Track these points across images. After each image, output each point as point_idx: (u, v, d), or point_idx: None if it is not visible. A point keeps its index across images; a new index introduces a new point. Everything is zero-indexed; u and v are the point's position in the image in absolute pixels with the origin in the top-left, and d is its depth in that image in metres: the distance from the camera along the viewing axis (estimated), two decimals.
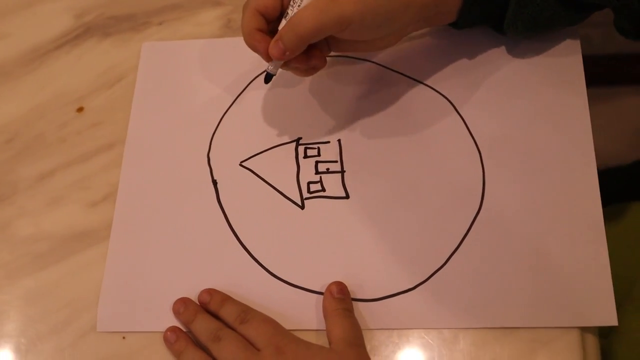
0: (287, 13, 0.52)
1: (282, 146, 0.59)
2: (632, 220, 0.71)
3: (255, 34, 0.52)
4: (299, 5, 0.51)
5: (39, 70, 0.66)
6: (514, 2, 0.55)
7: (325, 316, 0.51)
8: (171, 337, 0.52)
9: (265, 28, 0.53)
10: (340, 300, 0.51)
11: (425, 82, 0.60)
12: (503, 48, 0.60)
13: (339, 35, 0.51)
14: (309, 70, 0.55)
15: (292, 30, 0.50)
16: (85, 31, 0.68)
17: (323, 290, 0.52)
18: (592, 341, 0.50)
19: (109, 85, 0.64)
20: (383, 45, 0.56)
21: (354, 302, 0.52)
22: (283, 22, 0.52)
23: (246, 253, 0.55)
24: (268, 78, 0.55)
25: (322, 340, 0.51)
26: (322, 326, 0.51)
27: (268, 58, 0.52)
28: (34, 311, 0.55)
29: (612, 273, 0.51)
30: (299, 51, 0.51)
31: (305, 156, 0.58)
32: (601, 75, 1.28)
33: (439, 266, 0.52)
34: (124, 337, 0.53)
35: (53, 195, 0.60)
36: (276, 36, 0.51)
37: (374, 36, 0.54)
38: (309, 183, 0.57)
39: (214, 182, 0.58)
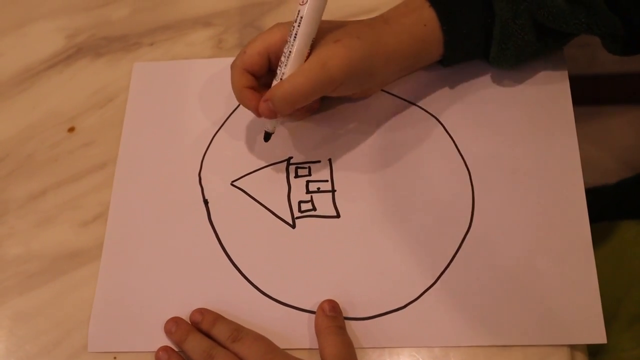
0: (277, 73, 0.53)
1: (273, 166, 0.59)
2: (618, 238, 0.72)
3: (246, 92, 0.54)
4: (285, 65, 0.52)
5: (30, 90, 0.66)
6: (496, 44, 0.56)
7: (317, 334, 0.51)
8: (163, 357, 0.52)
9: (255, 85, 0.55)
10: (333, 317, 0.51)
11: (415, 103, 0.61)
12: (492, 69, 0.61)
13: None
14: (305, 114, 0.59)
15: (283, 96, 0.51)
16: (77, 51, 0.68)
17: (315, 309, 0.52)
18: (582, 359, 0.51)
19: (101, 105, 0.65)
20: (367, 95, 0.60)
21: (345, 321, 0.52)
22: (275, 83, 0.54)
23: (238, 272, 0.55)
24: (267, 136, 0.57)
25: (315, 359, 0.51)
26: (315, 345, 0.51)
27: (259, 114, 0.54)
28: (24, 332, 0.55)
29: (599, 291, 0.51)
30: (289, 112, 0.54)
31: (296, 176, 0.59)
32: (586, 95, 1.29)
33: (429, 285, 0.53)
34: (115, 358, 0.53)
35: (44, 215, 0.60)
36: (266, 96, 0.52)
37: (356, 91, 0.57)
38: (300, 202, 0.57)
39: (205, 202, 0.58)
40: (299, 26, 0.51)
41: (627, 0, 0.53)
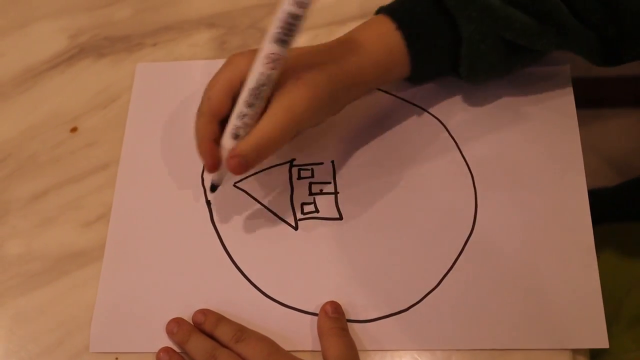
0: (232, 125, 0.50)
1: (276, 167, 0.59)
2: (619, 241, 0.72)
3: (208, 144, 0.51)
4: (245, 115, 0.49)
5: (32, 90, 0.66)
6: (466, 64, 0.56)
7: (320, 336, 0.51)
8: (163, 358, 0.52)
9: (219, 137, 0.52)
10: (336, 319, 0.51)
11: (417, 104, 0.61)
12: None
13: None
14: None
15: (254, 150, 0.49)
16: (80, 52, 0.68)
17: (317, 311, 0.52)
18: None
19: (103, 106, 0.65)
20: (330, 117, 0.56)
21: (348, 323, 0.52)
22: (229, 139, 0.51)
23: (240, 274, 0.55)
24: (213, 188, 0.56)
25: None
26: (317, 347, 0.51)
27: (211, 170, 0.52)
28: (25, 332, 0.55)
29: None
30: (260, 162, 0.51)
31: (299, 177, 0.59)
32: (587, 97, 1.29)
33: (432, 287, 0.53)
34: (117, 358, 0.53)
35: (46, 216, 0.59)
36: (234, 152, 0.49)
37: (319, 122, 0.55)
38: (302, 204, 0.57)
39: (208, 203, 0.58)
40: (270, 88, 0.49)
41: (601, 17, 0.53)
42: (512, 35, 0.54)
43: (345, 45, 0.54)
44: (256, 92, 0.49)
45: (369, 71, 0.54)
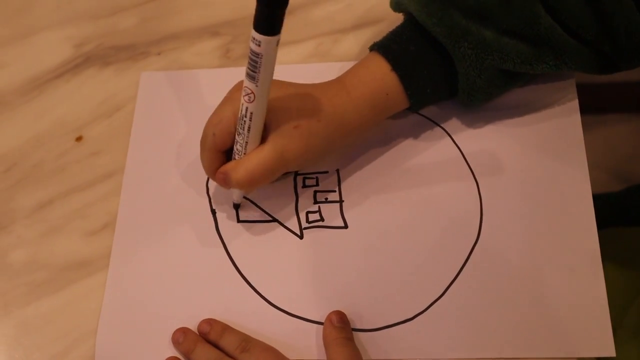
0: (235, 152, 0.53)
1: (281, 176, 0.59)
2: (623, 246, 0.72)
3: (217, 174, 0.54)
4: (237, 142, 0.52)
5: (38, 99, 0.66)
6: (463, 95, 0.56)
7: (325, 345, 0.51)
8: None
9: (225, 161, 0.54)
10: (341, 329, 0.51)
11: (422, 114, 0.61)
12: None
13: None
14: None
15: (238, 180, 0.52)
16: (85, 61, 0.68)
17: (322, 320, 0.52)
18: None
19: (108, 115, 0.65)
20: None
21: (353, 332, 0.52)
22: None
23: (245, 283, 0.55)
24: (236, 207, 0.58)
25: None
26: (323, 356, 0.51)
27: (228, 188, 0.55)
28: (31, 341, 0.55)
29: None
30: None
31: (304, 186, 0.59)
32: (591, 103, 1.29)
33: (437, 296, 0.53)
34: None
35: (51, 225, 0.60)
36: (222, 169, 0.52)
37: (317, 162, 0.58)
38: (307, 213, 0.57)
39: (213, 212, 0.58)
40: (250, 120, 0.49)
41: (596, 34, 0.53)
42: (509, 65, 0.54)
43: (344, 90, 0.54)
44: (240, 122, 0.50)
45: (366, 116, 0.55)
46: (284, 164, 0.52)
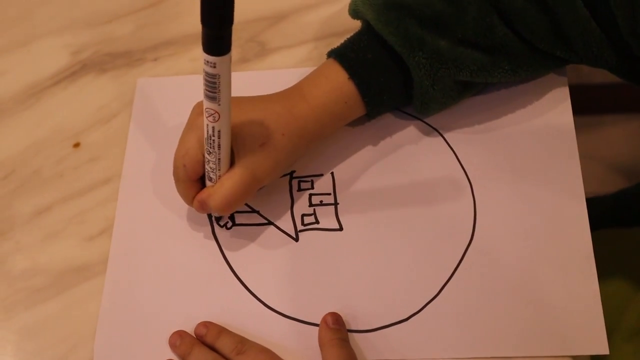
0: (207, 172, 0.53)
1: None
2: (618, 248, 0.72)
3: (194, 202, 0.55)
4: (209, 162, 0.52)
5: (35, 106, 0.67)
6: (418, 103, 0.57)
7: (321, 347, 0.52)
8: None
9: (201, 187, 0.55)
10: (336, 330, 0.52)
11: (415, 115, 0.61)
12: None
13: None
14: None
15: (216, 205, 0.53)
16: (82, 68, 0.69)
17: (318, 322, 0.53)
18: None
19: (105, 121, 0.65)
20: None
21: (349, 333, 0.52)
22: (206, 181, 0.54)
23: (241, 285, 0.55)
24: (217, 219, 0.59)
25: None
26: (318, 358, 0.51)
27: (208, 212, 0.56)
28: (30, 346, 0.55)
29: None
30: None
31: (299, 189, 0.59)
32: (588, 103, 1.30)
33: (432, 297, 0.53)
34: None
35: (50, 230, 0.60)
36: (199, 197, 0.54)
37: (280, 176, 0.58)
38: (303, 215, 0.58)
39: (209, 215, 0.59)
40: (219, 138, 0.50)
41: (552, 42, 0.54)
42: (465, 74, 0.55)
43: (303, 100, 0.55)
44: (209, 141, 0.50)
45: (327, 124, 0.56)
46: (257, 183, 0.53)
